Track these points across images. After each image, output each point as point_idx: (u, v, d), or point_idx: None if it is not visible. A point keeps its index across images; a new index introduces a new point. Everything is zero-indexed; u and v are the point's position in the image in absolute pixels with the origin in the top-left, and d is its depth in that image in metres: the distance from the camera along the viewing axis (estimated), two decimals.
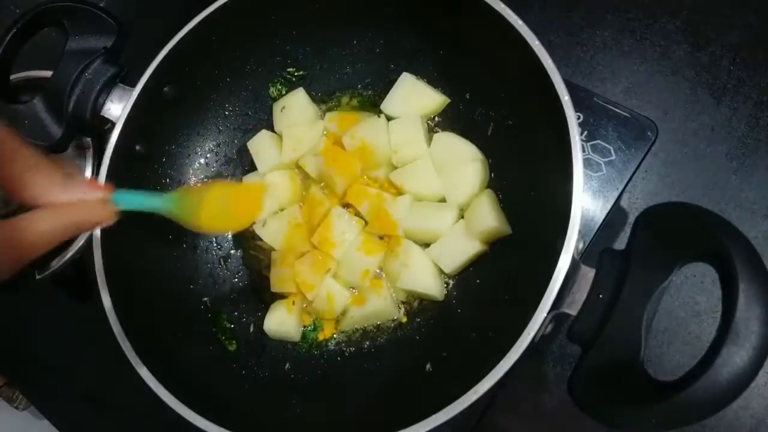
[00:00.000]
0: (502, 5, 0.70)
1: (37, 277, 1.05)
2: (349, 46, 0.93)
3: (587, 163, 0.87)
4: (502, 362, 0.59)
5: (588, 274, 0.61)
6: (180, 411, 0.68)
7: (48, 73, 0.79)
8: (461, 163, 0.83)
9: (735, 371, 0.49)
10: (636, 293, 0.57)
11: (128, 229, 0.81)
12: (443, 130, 0.89)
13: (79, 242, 1.06)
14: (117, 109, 0.79)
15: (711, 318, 0.80)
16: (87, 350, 1.05)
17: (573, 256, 0.59)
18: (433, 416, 0.59)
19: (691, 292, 0.80)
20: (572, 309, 0.61)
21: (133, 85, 0.80)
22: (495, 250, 0.80)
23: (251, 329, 0.88)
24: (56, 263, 1.06)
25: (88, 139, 1.06)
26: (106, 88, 0.78)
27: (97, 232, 0.76)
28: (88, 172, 1.05)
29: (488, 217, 0.77)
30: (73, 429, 1.07)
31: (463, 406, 0.59)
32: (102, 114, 0.78)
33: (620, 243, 0.86)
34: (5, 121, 0.59)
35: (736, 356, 0.49)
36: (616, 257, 0.60)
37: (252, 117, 0.97)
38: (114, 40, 0.78)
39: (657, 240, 0.58)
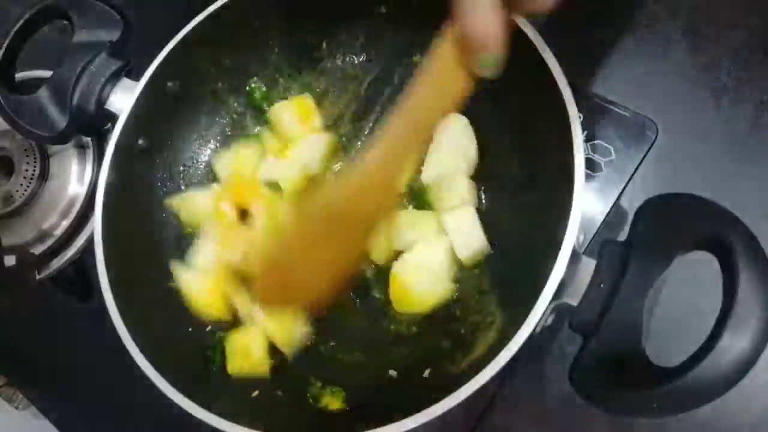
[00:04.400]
0: None
1: (37, 277, 1.05)
2: (349, 44, 0.94)
3: (587, 163, 0.87)
4: (503, 352, 0.59)
5: (589, 265, 0.61)
6: (186, 407, 0.67)
7: (49, 74, 0.79)
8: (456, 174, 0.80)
9: (736, 356, 0.50)
10: (637, 281, 0.57)
11: (129, 229, 0.83)
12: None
13: (79, 242, 1.06)
14: (121, 102, 0.80)
15: (712, 306, 0.79)
16: (87, 350, 1.05)
17: (574, 248, 0.60)
18: (436, 405, 0.59)
19: (692, 281, 0.80)
20: (573, 299, 0.61)
21: (138, 79, 0.81)
22: (496, 248, 0.79)
23: None
24: (56, 263, 1.06)
25: (88, 139, 1.06)
26: (111, 81, 0.79)
27: (99, 231, 0.77)
28: (89, 172, 1.06)
29: (478, 239, 0.78)
30: (73, 429, 1.06)
31: (467, 394, 0.59)
32: (106, 107, 0.79)
33: None
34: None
35: (738, 340, 0.50)
36: (617, 247, 0.61)
37: (254, 115, 0.97)
38: (119, 34, 0.79)
39: (658, 229, 0.58)
